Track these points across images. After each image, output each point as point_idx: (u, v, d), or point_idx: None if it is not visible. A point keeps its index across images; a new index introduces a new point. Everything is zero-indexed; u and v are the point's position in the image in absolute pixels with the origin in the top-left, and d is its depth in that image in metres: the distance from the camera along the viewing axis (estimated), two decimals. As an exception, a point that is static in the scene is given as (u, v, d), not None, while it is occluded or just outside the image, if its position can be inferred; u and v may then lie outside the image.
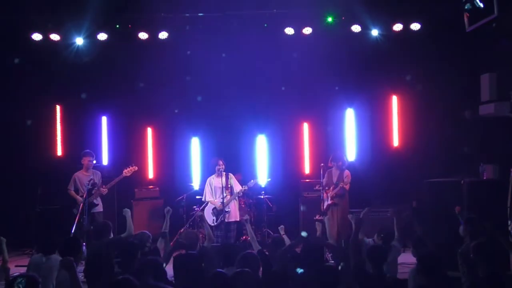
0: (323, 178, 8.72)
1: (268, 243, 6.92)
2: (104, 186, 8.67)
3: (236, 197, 8.91)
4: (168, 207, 6.78)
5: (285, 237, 6.47)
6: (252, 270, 4.49)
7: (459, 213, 6.93)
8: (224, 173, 8.83)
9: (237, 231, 9.08)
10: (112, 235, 6.52)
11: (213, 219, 8.69)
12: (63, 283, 5.12)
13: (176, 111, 10.80)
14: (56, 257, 5.48)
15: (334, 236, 8.04)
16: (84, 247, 6.36)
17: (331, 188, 8.57)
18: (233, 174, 9.02)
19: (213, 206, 8.76)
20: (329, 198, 8.54)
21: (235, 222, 8.81)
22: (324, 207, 8.64)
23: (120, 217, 7.34)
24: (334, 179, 8.59)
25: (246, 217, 7.18)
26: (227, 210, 8.64)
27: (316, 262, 5.04)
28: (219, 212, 8.70)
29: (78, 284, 4.39)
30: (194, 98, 10.63)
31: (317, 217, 8.68)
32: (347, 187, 8.46)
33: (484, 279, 4.37)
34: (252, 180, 8.92)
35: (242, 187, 8.83)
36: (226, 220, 8.64)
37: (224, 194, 8.63)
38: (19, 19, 9.54)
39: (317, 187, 9.20)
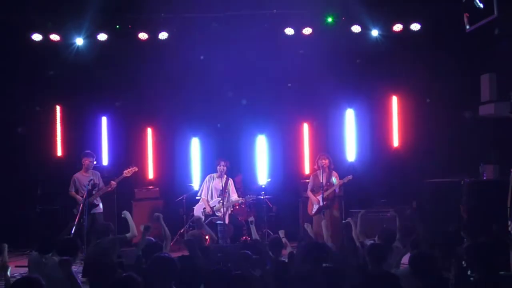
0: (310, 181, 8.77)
1: (267, 244, 6.89)
2: (113, 181, 8.66)
3: (231, 207, 8.96)
4: (157, 213, 6.65)
5: (284, 240, 6.42)
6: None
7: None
8: (226, 176, 8.86)
9: (236, 231, 9.10)
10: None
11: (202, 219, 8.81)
12: (58, 282, 5.12)
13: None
14: (54, 256, 5.46)
15: (329, 238, 8.01)
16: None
17: (320, 191, 8.51)
18: (234, 175, 9.04)
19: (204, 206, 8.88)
20: (321, 201, 8.46)
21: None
22: (314, 210, 8.58)
23: (120, 218, 7.34)
24: (322, 181, 8.51)
25: (251, 219, 7.17)
26: (218, 214, 8.72)
27: (319, 260, 4.99)
28: (208, 214, 8.89)
29: (76, 284, 4.39)
30: (194, 98, 10.62)
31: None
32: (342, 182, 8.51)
33: (478, 280, 4.31)
34: (248, 195, 9.19)
35: (240, 197, 9.05)
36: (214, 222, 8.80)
37: (219, 198, 8.70)
38: (19, 19, 9.53)
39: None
